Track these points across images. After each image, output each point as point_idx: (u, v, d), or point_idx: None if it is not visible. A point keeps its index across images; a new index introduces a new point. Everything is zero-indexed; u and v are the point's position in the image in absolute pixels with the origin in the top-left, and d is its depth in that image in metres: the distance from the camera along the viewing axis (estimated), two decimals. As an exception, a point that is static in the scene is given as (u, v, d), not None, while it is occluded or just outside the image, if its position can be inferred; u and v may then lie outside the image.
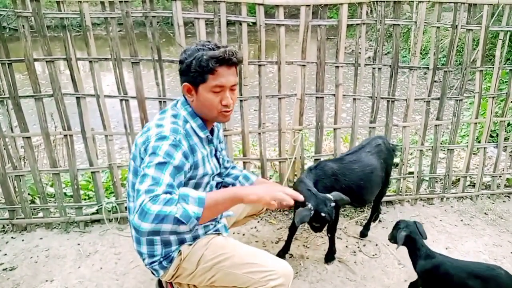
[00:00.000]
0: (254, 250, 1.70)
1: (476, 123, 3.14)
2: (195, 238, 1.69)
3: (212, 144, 1.72)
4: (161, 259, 1.65)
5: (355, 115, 2.93)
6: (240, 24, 2.57)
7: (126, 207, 2.76)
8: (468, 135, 3.32)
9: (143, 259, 1.69)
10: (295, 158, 2.88)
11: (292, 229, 2.48)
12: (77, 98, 2.60)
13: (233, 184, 1.97)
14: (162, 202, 1.25)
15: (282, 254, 2.47)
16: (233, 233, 2.69)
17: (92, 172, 2.78)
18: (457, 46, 2.87)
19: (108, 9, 2.46)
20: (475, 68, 2.99)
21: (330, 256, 2.47)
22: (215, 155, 1.76)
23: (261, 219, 2.92)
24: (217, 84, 1.51)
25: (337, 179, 2.27)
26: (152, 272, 1.73)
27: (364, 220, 2.90)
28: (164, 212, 1.23)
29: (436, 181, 3.37)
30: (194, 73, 1.49)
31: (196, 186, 1.62)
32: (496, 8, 5.18)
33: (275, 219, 2.93)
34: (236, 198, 1.38)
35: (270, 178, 3.10)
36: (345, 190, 2.24)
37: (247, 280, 1.59)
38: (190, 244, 1.67)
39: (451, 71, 2.95)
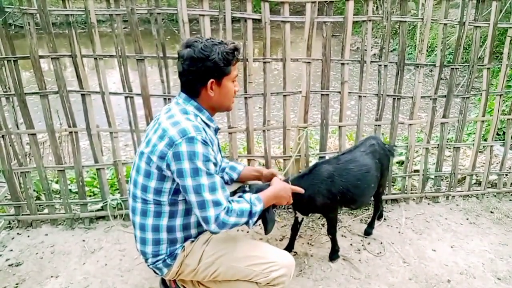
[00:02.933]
0: (255, 243, 1.73)
1: (482, 121, 3.11)
2: (200, 233, 1.70)
3: (216, 134, 1.74)
4: (166, 257, 1.65)
5: (360, 113, 2.91)
6: (245, 21, 2.56)
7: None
8: (474, 133, 3.29)
9: (146, 259, 1.67)
10: (299, 155, 2.88)
11: (294, 228, 2.49)
12: (82, 95, 2.61)
13: (221, 177, 1.95)
14: (237, 214, 1.53)
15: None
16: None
17: (97, 169, 2.79)
18: (464, 43, 2.85)
19: (113, 6, 2.47)
20: (482, 65, 2.96)
21: (334, 254, 2.47)
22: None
23: (265, 217, 2.91)
24: (236, 73, 1.63)
25: (333, 181, 2.21)
26: (155, 271, 1.71)
27: (368, 218, 2.89)
28: (238, 222, 1.55)
29: (442, 179, 3.35)
30: (222, 67, 1.54)
31: None
32: (504, 5, 5.11)
33: (279, 216, 2.93)
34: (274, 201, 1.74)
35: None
36: (341, 191, 2.22)
37: (249, 272, 1.61)
38: (193, 241, 1.67)
39: (458, 68, 2.92)
